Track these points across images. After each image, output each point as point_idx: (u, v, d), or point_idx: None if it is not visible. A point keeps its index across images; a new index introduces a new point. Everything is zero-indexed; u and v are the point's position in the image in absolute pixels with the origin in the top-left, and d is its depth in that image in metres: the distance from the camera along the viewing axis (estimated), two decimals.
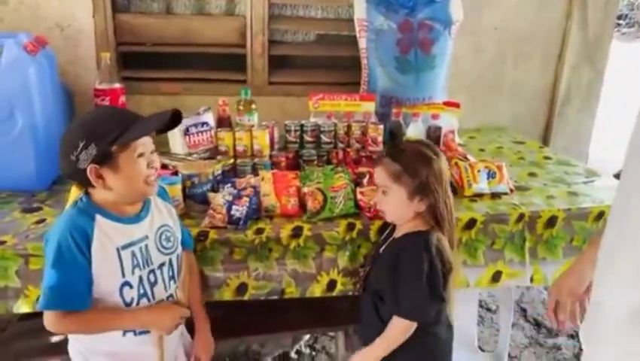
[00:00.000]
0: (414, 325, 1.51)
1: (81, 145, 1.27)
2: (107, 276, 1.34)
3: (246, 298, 1.72)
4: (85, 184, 1.35)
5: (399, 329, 1.52)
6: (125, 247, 1.36)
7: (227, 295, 1.70)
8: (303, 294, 1.75)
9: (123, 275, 1.36)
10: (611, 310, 1.08)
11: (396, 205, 1.54)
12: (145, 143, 1.36)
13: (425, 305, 1.51)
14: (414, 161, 1.52)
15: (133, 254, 1.38)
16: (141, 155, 1.34)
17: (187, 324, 1.64)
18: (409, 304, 1.50)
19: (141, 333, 1.43)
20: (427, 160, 1.52)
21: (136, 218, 1.41)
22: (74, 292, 1.30)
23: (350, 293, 1.78)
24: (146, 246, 1.41)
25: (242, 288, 1.71)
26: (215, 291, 1.70)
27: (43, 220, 1.71)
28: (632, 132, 1.03)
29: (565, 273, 1.45)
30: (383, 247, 1.62)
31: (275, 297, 1.74)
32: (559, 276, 1.48)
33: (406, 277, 1.49)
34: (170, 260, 1.48)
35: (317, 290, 1.76)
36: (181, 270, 1.53)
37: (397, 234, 1.60)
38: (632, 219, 1.02)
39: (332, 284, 1.77)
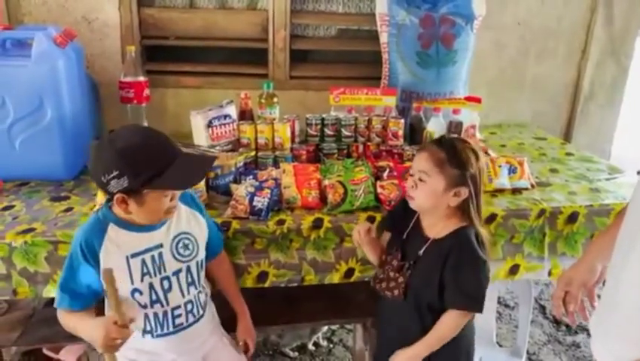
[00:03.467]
0: (469, 317, 1.51)
1: (115, 173, 1.27)
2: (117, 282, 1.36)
3: (267, 285, 1.76)
4: (108, 198, 1.40)
5: (456, 323, 1.51)
6: (135, 255, 1.40)
7: (249, 282, 1.75)
8: (321, 281, 1.79)
9: (132, 282, 1.40)
10: (627, 303, 1.08)
11: (430, 193, 1.48)
12: None
13: (481, 297, 1.50)
14: (461, 153, 1.48)
15: (143, 262, 1.41)
16: (166, 195, 1.37)
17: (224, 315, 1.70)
18: (471, 296, 1.48)
19: (158, 336, 1.48)
20: (474, 154, 1.50)
21: (152, 227, 1.43)
22: (76, 295, 1.39)
23: (367, 279, 1.80)
24: (160, 254, 1.43)
25: (262, 276, 1.75)
26: (237, 279, 1.73)
27: (70, 209, 1.76)
28: None
29: (576, 264, 1.44)
30: (422, 250, 1.54)
31: (295, 284, 1.78)
32: (570, 268, 1.47)
33: (465, 269, 1.47)
34: (188, 267, 1.49)
35: (335, 278, 1.79)
36: (114, 289, 1.32)
37: (438, 234, 1.53)
38: None
39: (350, 272, 1.80)
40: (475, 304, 1.49)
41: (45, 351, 2.04)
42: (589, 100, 3.03)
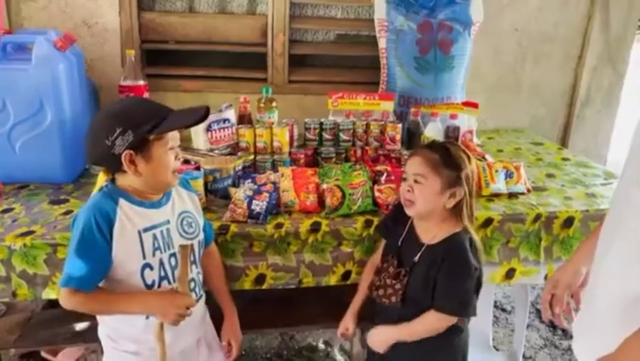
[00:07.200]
0: (454, 321, 1.53)
1: (118, 131, 1.32)
2: (128, 258, 1.39)
3: (264, 287, 1.77)
4: (113, 169, 1.41)
5: (436, 324, 1.53)
6: (146, 230, 1.41)
7: (246, 285, 1.76)
8: (319, 283, 1.81)
9: (144, 257, 1.41)
10: (604, 299, 1.10)
11: (428, 195, 1.50)
12: (175, 136, 1.43)
13: (471, 302, 1.53)
14: (454, 155, 1.52)
15: (154, 237, 1.43)
16: (171, 148, 1.41)
17: (213, 312, 1.69)
18: (458, 301, 1.51)
19: None
20: (466, 155, 1.55)
21: (157, 203, 1.46)
22: (88, 274, 1.35)
23: None
24: (167, 230, 1.46)
25: (260, 278, 1.76)
26: (235, 281, 1.75)
27: (70, 211, 1.76)
28: (636, 126, 1.05)
29: (562, 267, 1.47)
30: (417, 256, 1.56)
31: (293, 286, 1.79)
32: (556, 270, 1.49)
33: (456, 275, 1.50)
34: (192, 245, 1.51)
35: (332, 280, 1.81)
36: (187, 263, 1.47)
37: (433, 240, 1.55)
38: (628, 210, 1.04)
39: (347, 274, 1.82)
40: (462, 309, 1.52)
41: (43, 354, 2.05)
42: (586, 105, 3.06)
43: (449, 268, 1.50)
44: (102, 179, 1.50)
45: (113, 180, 1.43)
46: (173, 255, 1.47)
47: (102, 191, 1.41)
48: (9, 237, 1.59)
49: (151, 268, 1.43)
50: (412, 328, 1.55)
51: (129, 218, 1.39)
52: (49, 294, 1.63)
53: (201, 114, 1.45)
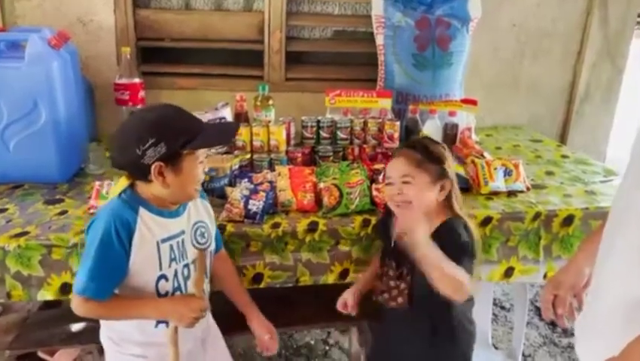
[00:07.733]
0: (468, 293, 1.40)
1: (151, 141, 1.29)
2: (145, 268, 1.37)
3: (262, 286, 1.75)
4: (137, 177, 1.37)
5: (463, 278, 1.34)
6: (164, 240, 1.40)
7: (244, 284, 1.74)
8: (316, 282, 1.79)
9: (161, 268, 1.40)
10: (606, 301, 1.09)
11: (422, 191, 1.50)
12: (205, 150, 1.42)
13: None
14: (433, 150, 1.55)
15: (171, 248, 1.41)
16: (201, 162, 1.40)
17: (220, 310, 1.68)
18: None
19: None
20: (444, 148, 1.58)
21: (175, 213, 1.44)
22: (104, 283, 1.33)
23: None
24: (182, 240, 1.44)
25: (257, 277, 1.75)
26: None
27: (65, 212, 1.75)
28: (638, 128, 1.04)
29: (564, 268, 1.45)
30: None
31: (290, 285, 1.78)
32: (559, 271, 1.48)
33: (455, 257, 1.37)
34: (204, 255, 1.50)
35: (330, 278, 1.80)
36: (205, 268, 1.48)
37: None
38: (630, 211, 1.03)
39: (344, 273, 1.80)
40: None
41: (40, 354, 2.04)
42: (585, 101, 3.04)
43: (448, 249, 1.36)
44: (122, 184, 1.45)
45: (131, 186, 1.40)
46: (186, 265, 1.46)
47: (121, 198, 1.38)
48: (3, 238, 1.57)
49: (166, 280, 1.42)
50: (450, 265, 1.34)
51: (148, 228, 1.37)
52: (44, 295, 1.61)
53: (233, 132, 1.47)
